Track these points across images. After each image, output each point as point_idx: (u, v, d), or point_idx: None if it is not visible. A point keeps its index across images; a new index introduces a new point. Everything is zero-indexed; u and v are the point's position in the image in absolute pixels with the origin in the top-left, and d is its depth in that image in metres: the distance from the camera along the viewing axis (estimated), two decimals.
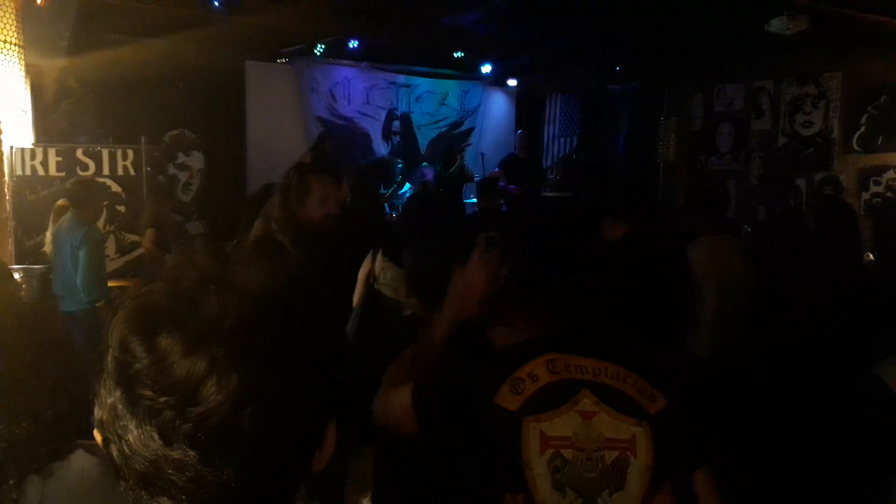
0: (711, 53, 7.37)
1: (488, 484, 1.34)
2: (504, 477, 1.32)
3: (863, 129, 6.85)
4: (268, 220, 2.71)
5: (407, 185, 8.28)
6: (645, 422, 1.33)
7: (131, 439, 0.62)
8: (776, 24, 5.47)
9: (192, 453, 0.61)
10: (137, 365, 0.62)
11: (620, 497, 1.31)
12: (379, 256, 3.36)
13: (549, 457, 1.31)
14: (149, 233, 5.37)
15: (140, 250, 5.59)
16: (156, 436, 0.61)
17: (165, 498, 0.63)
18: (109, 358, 0.64)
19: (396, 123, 8.95)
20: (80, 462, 0.97)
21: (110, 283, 4.73)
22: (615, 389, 1.35)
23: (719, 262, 3.39)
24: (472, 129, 9.69)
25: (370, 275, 3.37)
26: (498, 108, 10.00)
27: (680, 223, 4.00)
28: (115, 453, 0.64)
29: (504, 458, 1.32)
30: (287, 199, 2.65)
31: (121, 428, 0.63)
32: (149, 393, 0.61)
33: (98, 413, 0.67)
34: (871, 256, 4.36)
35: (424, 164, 8.53)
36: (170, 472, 0.61)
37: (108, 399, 0.64)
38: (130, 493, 0.64)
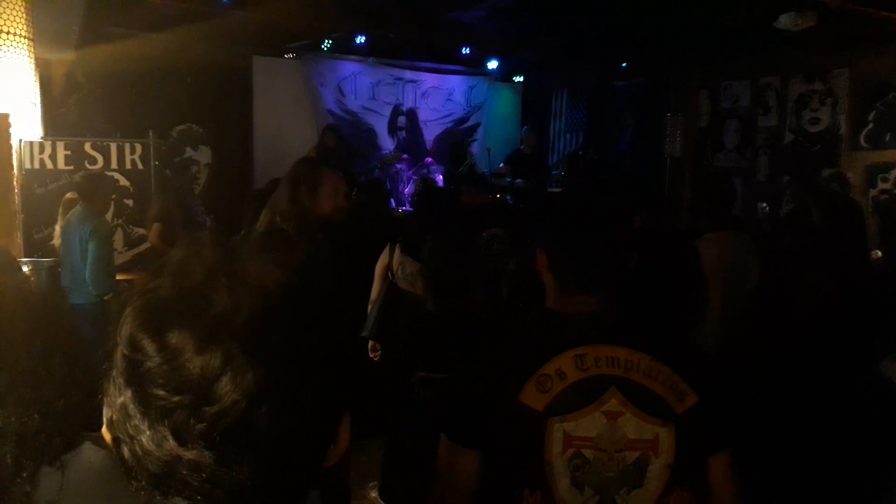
0: (718, 49, 7.33)
1: (507, 480, 1.33)
2: (524, 474, 1.31)
3: (870, 125, 6.81)
4: (274, 212, 2.69)
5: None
6: (670, 422, 1.30)
7: (144, 440, 0.60)
8: (784, 20, 5.44)
9: (207, 453, 0.59)
10: (148, 363, 0.60)
11: (638, 494, 1.31)
12: (397, 251, 3.39)
13: (569, 456, 1.29)
14: (155, 227, 5.39)
15: (147, 244, 5.63)
16: (169, 436, 0.59)
17: (180, 498, 0.61)
18: (118, 356, 0.62)
19: (402, 119, 8.94)
20: (88, 454, 0.95)
21: (118, 277, 4.76)
22: (645, 388, 1.31)
23: (724, 259, 3.39)
24: (478, 125, 9.67)
25: (388, 269, 3.40)
26: (504, 103, 9.98)
27: (686, 219, 3.99)
28: (126, 454, 0.62)
29: (526, 456, 1.31)
30: (297, 192, 2.62)
31: (132, 428, 0.61)
32: (161, 392, 0.59)
33: (107, 413, 0.65)
34: (879, 254, 4.35)
35: (430, 160, 8.53)
36: (184, 472, 0.60)
37: (119, 398, 0.62)
38: (143, 493, 0.62)
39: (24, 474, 0.90)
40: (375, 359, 3.36)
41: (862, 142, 6.88)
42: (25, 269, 3.73)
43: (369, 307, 3.41)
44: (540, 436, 1.29)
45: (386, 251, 3.40)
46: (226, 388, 0.58)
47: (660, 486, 1.31)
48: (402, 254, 3.34)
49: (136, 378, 0.61)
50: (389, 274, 3.35)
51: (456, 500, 1.38)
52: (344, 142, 7.48)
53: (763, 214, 7.20)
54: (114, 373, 0.63)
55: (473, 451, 1.36)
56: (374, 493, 3.34)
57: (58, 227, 4.66)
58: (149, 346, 0.60)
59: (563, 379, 1.30)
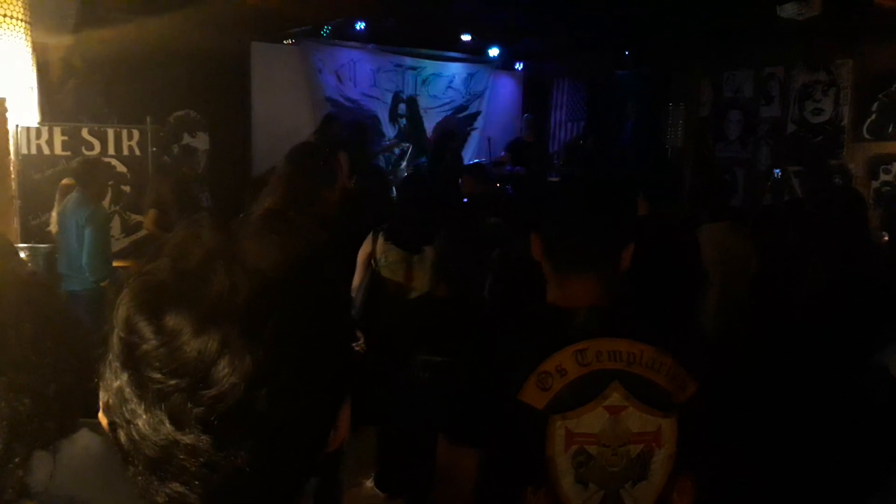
0: (721, 39, 7.29)
1: (511, 479, 1.33)
2: (526, 472, 1.30)
3: (873, 116, 6.78)
4: (280, 199, 2.61)
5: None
6: (673, 413, 1.30)
7: (140, 424, 0.59)
8: (788, 10, 5.41)
9: (204, 438, 0.58)
10: (145, 346, 0.59)
11: (643, 486, 1.30)
12: (380, 239, 3.36)
13: (573, 453, 1.28)
14: (151, 213, 5.39)
15: (145, 231, 5.61)
16: (166, 420, 0.58)
17: (177, 483, 0.60)
18: (114, 339, 0.61)
19: (403, 106, 8.89)
20: (84, 440, 0.95)
21: (115, 263, 4.75)
22: (648, 381, 1.29)
23: (721, 249, 3.38)
24: (478, 113, 9.63)
25: (371, 257, 3.38)
26: (505, 92, 9.93)
27: (685, 210, 3.98)
28: (122, 438, 0.62)
29: (528, 454, 1.30)
30: (314, 179, 2.55)
31: (129, 412, 0.60)
32: (158, 375, 0.58)
33: (103, 397, 0.64)
34: (886, 238, 4.32)
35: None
36: (182, 457, 0.59)
37: (115, 382, 0.61)
38: (140, 478, 0.62)
39: (17, 459, 0.89)
40: (358, 348, 3.35)
41: (865, 133, 6.85)
42: (22, 254, 3.72)
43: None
44: (542, 434, 1.28)
45: (369, 239, 3.39)
46: (223, 371, 0.57)
47: (664, 476, 1.30)
48: (385, 242, 3.32)
49: (133, 361, 0.60)
50: (372, 262, 3.34)
51: (458, 500, 1.37)
52: (354, 129, 7.39)
53: (774, 184, 7.21)
54: (110, 356, 0.62)
55: (474, 451, 1.35)
56: (370, 483, 3.34)
57: (54, 213, 4.64)
58: (145, 329, 0.59)
59: (564, 376, 1.28)
